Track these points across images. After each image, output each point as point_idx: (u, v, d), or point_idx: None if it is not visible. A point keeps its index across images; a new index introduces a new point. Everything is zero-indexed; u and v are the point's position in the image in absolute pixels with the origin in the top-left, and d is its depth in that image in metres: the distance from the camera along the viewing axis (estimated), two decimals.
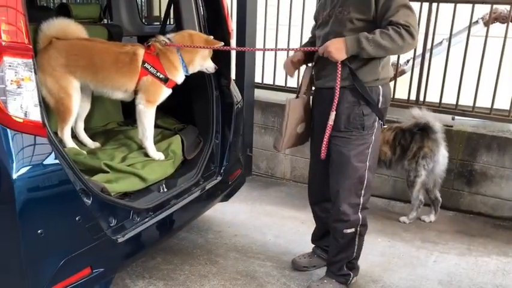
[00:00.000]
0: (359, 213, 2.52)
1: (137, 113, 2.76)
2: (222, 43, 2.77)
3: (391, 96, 2.54)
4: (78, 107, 2.72)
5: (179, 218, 2.70)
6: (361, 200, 2.51)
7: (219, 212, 3.57)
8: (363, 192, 2.51)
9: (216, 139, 3.03)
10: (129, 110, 3.00)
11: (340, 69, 2.32)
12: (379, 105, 2.43)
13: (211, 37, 2.81)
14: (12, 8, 1.73)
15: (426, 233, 3.46)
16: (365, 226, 2.59)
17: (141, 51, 2.69)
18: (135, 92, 2.74)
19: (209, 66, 2.85)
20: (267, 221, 3.56)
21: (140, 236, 2.37)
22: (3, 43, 1.69)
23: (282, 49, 3.44)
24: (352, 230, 2.53)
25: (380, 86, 2.42)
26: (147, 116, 2.75)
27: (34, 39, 2.59)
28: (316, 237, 2.95)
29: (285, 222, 3.56)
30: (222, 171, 3.01)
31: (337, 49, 2.28)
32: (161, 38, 2.74)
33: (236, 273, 2.88)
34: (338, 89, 2.35)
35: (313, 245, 2.98)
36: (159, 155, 2.77)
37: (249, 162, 4.39)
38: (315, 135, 2.67)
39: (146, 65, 2.68)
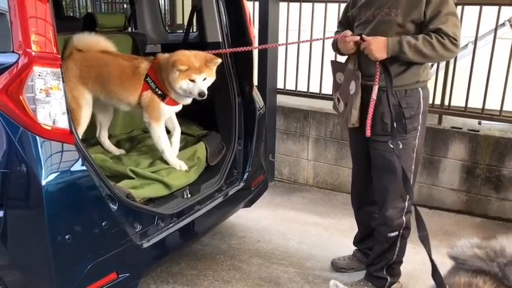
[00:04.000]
0: (403, 217, 2.54)
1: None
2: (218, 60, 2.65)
3: (429, 99, 2.55)
4: (88, 120, 2.72)
5: (202, 224, 2.72)
6: (406, 203, 2.53)
7: (242, 217, 3.58)
8: (407, 196, 2.51)
9: (239, 145, 3.05)
10: None
11: (378, 68, 2.32)
12: (421, 108, 2.42)
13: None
14: (41, 19, 1.78)
15: (453, 240, 3.39)
16: (408, 229, 2.60)
17: (144, 65, 2.67)
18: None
19: (188, 91, 2.59)
20: (290, 227, 3.55)
21: (164, 242, 2.40)
22: (33, 53, 1.75)
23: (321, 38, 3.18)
24: (396, 233, 2.55)
25: (420, 89, 2.42)
26: (155, 133, 2.72)
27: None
28: (357, 240, 2.98)
29: (307, 228, 3.55)
30: (244, 177, 3.02)
31: (379, 48, 2.27)
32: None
33: (259, 279, 2.88)
34: (376, 87, 2.34)
35: (354, 248, 3.00)
36: (180, 164, 2.75)
37: (272, 168, 4.39)
38: (353, 138, 2.68)
39: (148, 79, 2.66)
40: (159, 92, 2.66)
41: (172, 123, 2.87)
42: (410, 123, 2.41)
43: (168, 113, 2.74)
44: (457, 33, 2.27)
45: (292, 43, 3.10)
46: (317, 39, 3.15)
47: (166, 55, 2.69)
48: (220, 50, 2.91)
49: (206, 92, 2.60)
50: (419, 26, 2.31)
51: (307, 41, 3.11)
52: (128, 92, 2.68)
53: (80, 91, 2.67)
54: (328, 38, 2.62)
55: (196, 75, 2.57)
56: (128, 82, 2.67)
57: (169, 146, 2.77)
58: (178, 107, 2.80)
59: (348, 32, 2.47)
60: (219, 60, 2.66)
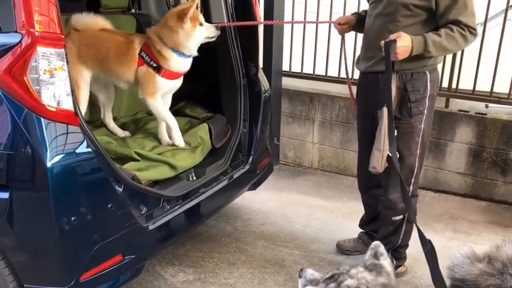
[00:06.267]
0: None
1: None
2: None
3: (439, 82, 2.52)
4: (87, 99, 2.69)
5: (208, 206, 2.72)
6: (411, 188, 2.51)
7: (247, 200, 3.58)
8: (412, 180, 2.51)
9: (244, 128, 3.03)
10: None
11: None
12: (428, 92, 2.38)
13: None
14: None
15: (458, 223, 3.39)
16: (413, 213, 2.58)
17: (138, 40, 2.66)
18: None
19: (207, 35, 2.59)
20: (295, 210, 3.55)
21: (170, 224, 2.40)
22: (37, 33, 1.72)
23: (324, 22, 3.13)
24: (401, 217, 2.54)
25: (427, 72, 2.37)
26: (153, 106, 2.71)
27: None
28: (363, 222, 2.97)
29: (312, 211, 3.55)
30: (249, 160, 3.01)
31: (404, 51, 2.21)
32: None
33: (265, 262, 2.89)
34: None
35: (360, 230, 3.00)
36: (179, 142, 2.75)
37: (277, 151, 4.37)
38: (360, 122, 2.65)
39: (143, 53, 2.63)
40: (154, 65, 2.63)
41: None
42: (415, 106, 2.37)
43: (164, 87, 2.69)
44: (475, 20, 2.23)
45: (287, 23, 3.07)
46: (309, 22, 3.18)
47: (153, 27, 2.71)
48: (226, 23, 2.88)
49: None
50: (430, 12, 2.25)
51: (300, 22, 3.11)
52: (125, 68, 2.66)
53: (78, 71, 2.63)
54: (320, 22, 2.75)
55: (201, 17, 2.58)
56: (124, 58, 2.65)
57: (172, 116, 2.76)
58: (177, 83, 2.74)
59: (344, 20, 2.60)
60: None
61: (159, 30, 2.61)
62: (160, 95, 2.72)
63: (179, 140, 2.77)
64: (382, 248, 1.42)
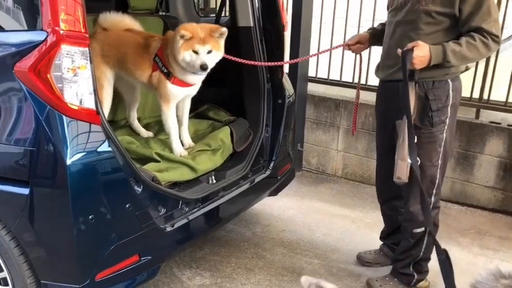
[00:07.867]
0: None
1: None
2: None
3: (461, 91, 2.41)
4: (110, 99, 2.69)
5: (227, 210, 2.70)
6: (432, 199, 2.44)
7: (268, 206, 3.54)
8: (434, 191, 2.43)
9: (266, 133, 2.99)
10: None
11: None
12: (450, 100, 2.30)
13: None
14: None
15: (486, 239, 3.26)
16: (435, 226, 2.51)
17: (155, 44, 2.62)
18: None
19: (191, 63, 2.48)
20: (316, 218, 3.50)
21: (188, 226, 2.38)
22: (61, 32, 1.74)
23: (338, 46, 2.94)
24: (422, 229, 2.47)
25: (449, 80, 2.30)
26: (163, 115, 2.67)
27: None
28: (384, 234, 2.90)
29: (334, 220, 3.48)
30: (271, 165, 2.97)
31: (421, 61, 2.15)
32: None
33: (283, 269, 2.84)
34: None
35: (381, 243, 2.93)
36: (180, 152, 2.67)
37: (300, 157, 4.33)
38: (379, 132, 2.61)
39: (156, 58, 2.60)
40: (165, 71, 2.60)
41: (182, 113, 2.80)
42: (437, 116, 2.29)
43: (177, 94, 2.65)
44: (498, 28, 2.16)
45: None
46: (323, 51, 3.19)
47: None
48: (255, 63, 2.84)
49: (209, 66, 2.48)
50: (453, 19, 2.18)
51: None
52: (141, 71, 2.65)
53: (101, 70, 2.63)
54: (335, 48, 2.98)
55: (200, 46, 2.47)
56: (140, 60, 2.64)
57: (177, 132, 2.71)
58: (191, 90, 2.71)
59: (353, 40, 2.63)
60: (224, 29, 2.53)
61: (172, 36, 2.57)
62: (175, 103, 2.68)
63: (178, 151, 2.69)
64: None
